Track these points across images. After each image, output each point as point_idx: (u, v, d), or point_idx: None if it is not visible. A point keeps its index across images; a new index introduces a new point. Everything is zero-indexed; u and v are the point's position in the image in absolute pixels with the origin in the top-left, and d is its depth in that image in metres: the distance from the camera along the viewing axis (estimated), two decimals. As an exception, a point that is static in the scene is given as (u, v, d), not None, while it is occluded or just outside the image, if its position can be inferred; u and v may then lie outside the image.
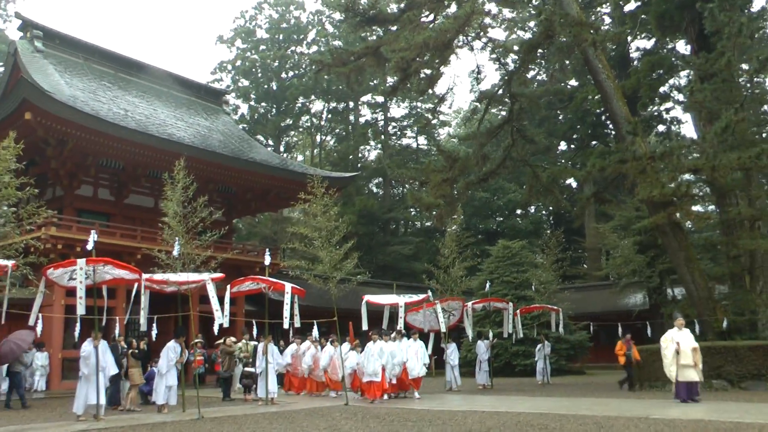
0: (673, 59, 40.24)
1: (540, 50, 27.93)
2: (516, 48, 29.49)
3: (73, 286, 16.60)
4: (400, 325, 23.35)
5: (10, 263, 14.91)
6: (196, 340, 24.33)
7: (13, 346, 20.15)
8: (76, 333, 19.20)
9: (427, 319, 25.62)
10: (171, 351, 18.47)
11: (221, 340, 24.69)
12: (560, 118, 55.26)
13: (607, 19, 43.98)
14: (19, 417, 18.29)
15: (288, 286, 20.68)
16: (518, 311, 28.78)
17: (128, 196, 33.66)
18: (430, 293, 26.06)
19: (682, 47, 40.55)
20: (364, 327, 22.23)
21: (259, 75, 70.88)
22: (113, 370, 17.87)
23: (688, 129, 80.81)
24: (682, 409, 16.14)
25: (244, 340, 23.79)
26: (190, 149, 30.04)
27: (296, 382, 25.02)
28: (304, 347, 24.70)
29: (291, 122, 72.74)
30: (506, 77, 28.24)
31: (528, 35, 27.58)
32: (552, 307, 30.33)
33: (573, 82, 51.92)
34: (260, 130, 69.45)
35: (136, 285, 18.02)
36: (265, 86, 70.95)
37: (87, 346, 16.98)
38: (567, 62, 38.11)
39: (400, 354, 21.61)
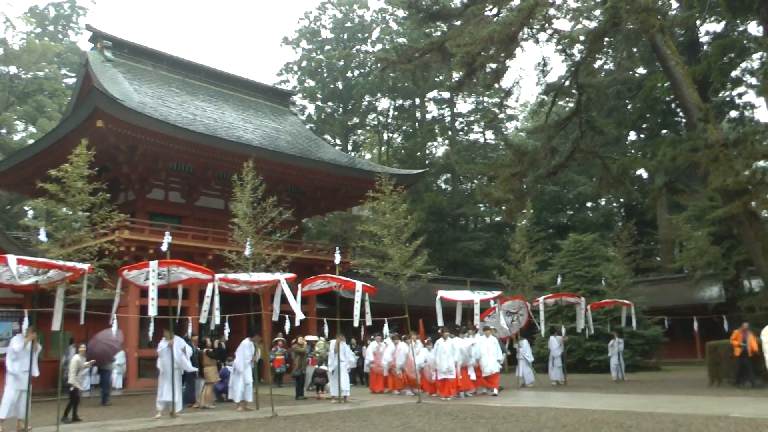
0: (745, 42, 39.38)
1: (606, 39, 27.48)
2: (582, 38, 29.06)
3: (147, 287, 16.88)
4: (476, 322, 23.21)
5: (86, 266, 15.16)
6: (276, 339, 24.44)
7: (106, 347, 20.55)
8: (150, 333, 19.49)
9: (499, 325, 25.41)
10: (246, 349, 18.67)
11: (294, 340, 24.88)
12: (629, 107, 54.32)
13: (675, 4, 42.97)
14: (99, 414, 18.66)
15: (359, 284, 20.75)
16: (589, 307, 28.37)
17: (199, 198, 34.10)
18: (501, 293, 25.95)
19: (754, 29, 39.67)
20: (439, 323, 22.13)
21: (325, 75, 71.07)
22: (189, 368, 18.11)
23: (762, 114, 78.96)
24: (763, 406, 15.75)
25: (322, 339, 23.86)
26: (259, 151, 30.24)
27: (379, 379, 24.88)
28: (383, 345, 24.58)
29: (358, 121, 72.81)
30: (573, 68, 27.86)
31: (594, 24, 27.03)
32: (624, 302, 29.80)
33: (641, 70, 51.00)
34: (327, 130, 69.70)
35: (209, 285, 18.22)
36: (331, 86, 71.12)
37: (162, 345, 17.30)
38: (634, 50, 37.47)
39: (474, 350, 21.48)
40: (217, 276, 18.43)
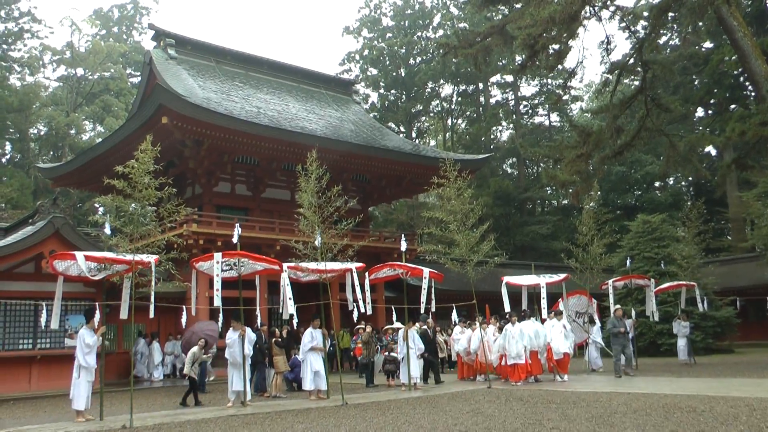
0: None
1: (671, 13, 27.08)
2: (645, 14, 28.64)
3: (223, 278, 17.09)
4: (543, 306, 23.03)
5: (153, 258, 15.40)
6: (357, 327, 24.49)
7: (205, 337, 20.80)
8: (219, 323, 19.74)
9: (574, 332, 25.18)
10: (305, 337, 18.95)
11: (362, 328, 24.93)
12: (696, 83, 53.31)
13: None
14: (171, 402, 19.00)
15: (426, 271, 20.74)
16: (653, 292, 27.79)
17: (265, 190, 34.40)
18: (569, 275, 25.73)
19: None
20: (506, 308, 22.02)
21: (387, 63, 71.12)
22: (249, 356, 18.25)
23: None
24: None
25: (418, 325, 23.81)
26: (322, 140, 30.38)
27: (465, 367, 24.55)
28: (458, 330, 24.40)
29: (421, 108, 72.74)
30: (637, 45, 27.42)
31: (657, -1, 26.62)
32: (687, 283, 29.10)
33: (707, 44, 50.12)
34: (391, 118, 69.78)
35: (283, 275, 18.35)
36: (394, 73, 71.15)
37: (231, 335, 17.50)
38: (700, 23, 36.85)
39: (543, 334, 21.31)
40: (286, 265, 18.56)
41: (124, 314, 15.34)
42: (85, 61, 62.59)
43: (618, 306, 24.15)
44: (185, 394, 18.38)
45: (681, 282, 28.63)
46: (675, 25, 42.57)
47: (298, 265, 18.76)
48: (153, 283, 15.72)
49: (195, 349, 18.96)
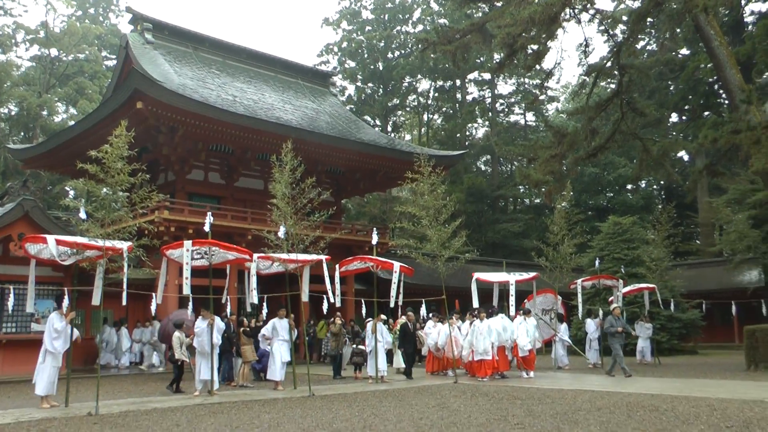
0: (792, 21, 38.78)
1: (649, 19, 27.22)
2: (624, 18, 28.83)
3: (193, 266, 17.09)
4: (511, 303, 23.20)
5: (125, 245, 15.35)
6: (334, 319, 24.59)
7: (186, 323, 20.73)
8: (189, 311, 19.74)
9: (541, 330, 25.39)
10: (268, 327, 19.20)
11: (331, 320, 24.98)
12: (671, 88, 53.76)
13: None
14: (138, 390, 18.99)
15: (396, 265, 20.84)
16: (622, 293, 27.94)
17: (238, 179, 34.35)
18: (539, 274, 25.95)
19: (802, 7, 39.05)
20: (475, 305, 22.20)
21: (366, 56, 70.98)
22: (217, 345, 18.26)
23: (808, 96, 77.70)
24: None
25: (403, 318, 23.88)
26: (298, 131, 30.39)
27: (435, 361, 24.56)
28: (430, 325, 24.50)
29: (398, 102, 72.73)
30: (615, 49, 27.59)
31: (636, 4, 26.82)
32: (647, 286, 29.21)
33: (684, 51, 50.57)
34: (367, 111, 69.69)
35: (252, 265, 18.41)
36: (372, 67, 71.04)
37: (200, 324, 17.49)
38: (677, 30, 37.08)
39: (511, 330, 21.48)
40: (256, 256, 18.60)
41: (96, 300, 15.26)
42: (59, 42, 61.89)
43: (616, 305, 24.29)
44: (175, 380, 18.44)
45: (641, 285, 28.84)
46: (653, 31, 42.84)
47: (269, 255, 18.79)
48: (125, 269, 15.68)
49: (178, 333, 18.92)
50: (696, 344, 36.89)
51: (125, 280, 15.64)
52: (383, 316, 23.02)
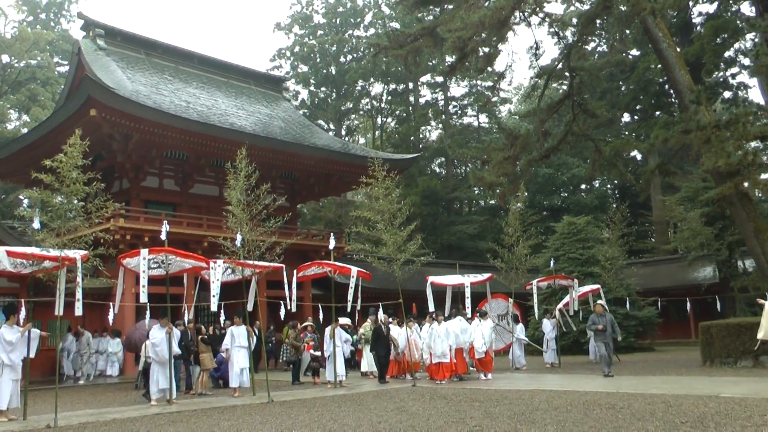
0: (738, 22, 39.38)
1: (599, 21, 27.49)
2: (574, 20, 29.10)
3: (150, 275, 17.00)
4: (467, 306, 23.31)
5: (80, 254, 15.21)
6: (306, 324, 24.59)
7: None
8: (147, 320, 19.65)
9: (500, 335, 25.63)
10: (228, 336, 19.17)
11: (302, 325, 24.94)
12: (622, 89, 54.22)
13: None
14: (96, 401, 18.83)
15: (353, 270, 20.87)
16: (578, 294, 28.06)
17: (193, 185, 34.21)
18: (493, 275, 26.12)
19: (747, 9, 39.72)
20: (430, 308, 22.26)
21: (318, 60, 70.98)
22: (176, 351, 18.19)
23: (756, 94, 78.91)
24: (753, 386, 15.87)
25: (369, 321, 23.89)
26: (252, 137, 30.30)
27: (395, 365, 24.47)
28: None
29: (351, 106, 72.84)
30: (565, 51, 27.89)
31: (585, 7, 27.11)
32: (591, 288, 29.31)
33: (634, 52, 51.09)
34: (321, 115, 69.67)
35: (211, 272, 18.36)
36: (324, 71, 71.08)
37: (157, 333, 17.39)
38: (627, 32, 37.53)
39: (470, 332, 21.57)
40: (220, 261, 18.56)
41: (60, 310, 15.04)
42: (10, 48, 61.02)
43: (599, 302, 24.23)
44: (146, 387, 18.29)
45: (586, 290, 28.85)
46: (603, 33, 43.27)
47: (237, 261, 18.75)
48: (80, 279, 15.53)
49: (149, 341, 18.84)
50: (653, 341, 37.26)
51: (80, 290, 15.48)
52: (347, 320, 23.11)
